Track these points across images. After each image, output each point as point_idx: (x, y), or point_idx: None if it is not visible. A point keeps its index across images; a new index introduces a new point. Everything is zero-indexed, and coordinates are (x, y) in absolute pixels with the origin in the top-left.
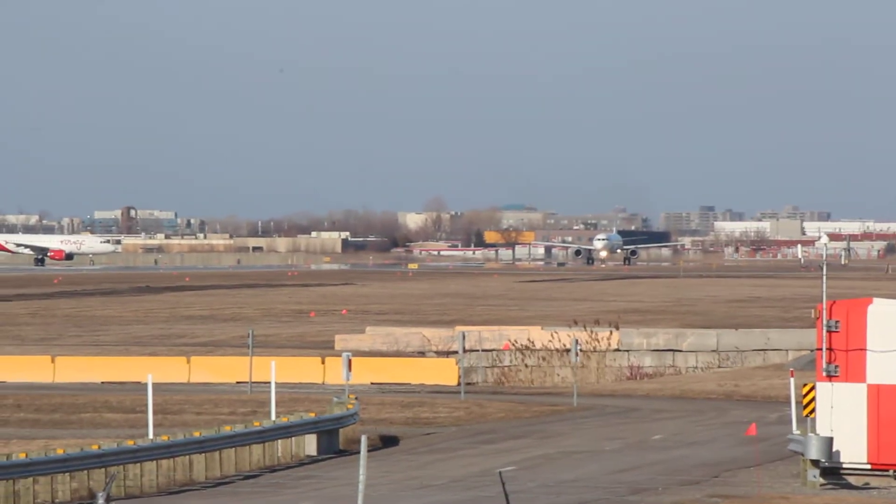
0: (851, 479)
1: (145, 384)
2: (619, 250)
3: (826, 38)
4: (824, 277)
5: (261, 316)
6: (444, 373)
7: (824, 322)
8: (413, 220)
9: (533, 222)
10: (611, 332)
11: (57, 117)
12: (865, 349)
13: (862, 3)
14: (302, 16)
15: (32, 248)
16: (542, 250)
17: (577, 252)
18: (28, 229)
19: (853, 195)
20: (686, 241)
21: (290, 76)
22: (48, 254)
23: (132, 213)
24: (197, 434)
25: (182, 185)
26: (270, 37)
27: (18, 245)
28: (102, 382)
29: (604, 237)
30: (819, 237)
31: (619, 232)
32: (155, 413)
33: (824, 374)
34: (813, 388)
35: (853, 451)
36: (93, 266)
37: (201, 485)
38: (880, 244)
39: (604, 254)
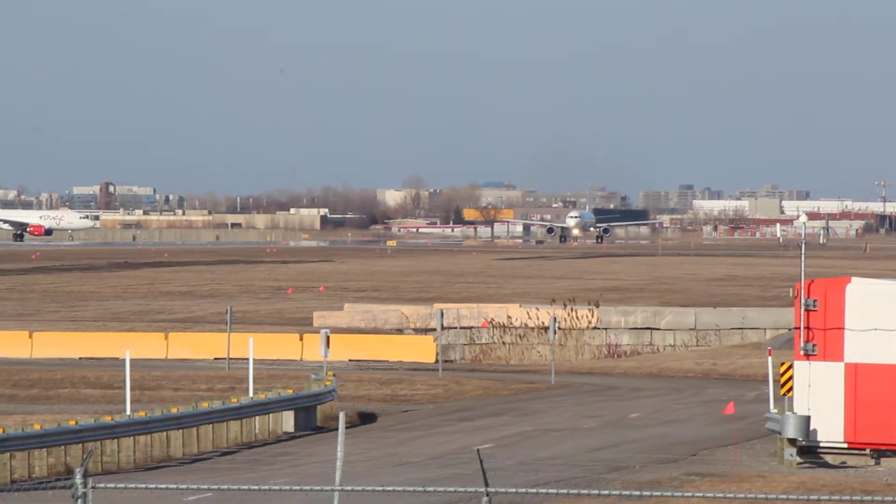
0: (828, 458)
1: (123, 360)
2: (591, 228)
3: (804, 20)
4: (802, 256)
5: (239, 292)
6: (422, 350)
7: (802, 301)
8: (392, 197)
9: (512, 200)
10: (589, 311)
11: (36, 92)
12: (843, 328)
13: None
14: None
15: (11, 223)
16: (520, 228)
17: (550, 230)
18: (6, 204)
19: (832, 174)
20: (665, 219)
21: (270, 52)
22: (27, 229)
23: (111, 188)
24: (174, 410)
25: (161, 161)
26: (250, 11)
27: None
28: (80, 358)
29: (576, 214)
30: (798, 216)
31: (598, 210)
32: (132, 389)
33: (802, 352)
34: (790, 366)
35: (830, 430)
36: (71, 241)
37: (178, 461)
38: (859, 223)
39: (576, 231)
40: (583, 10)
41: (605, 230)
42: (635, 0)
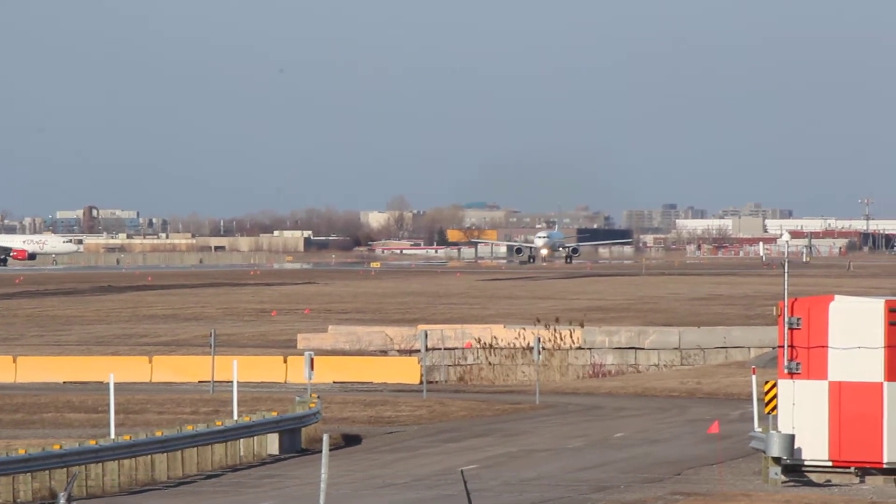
0: (813, 477)
1: (107, 384)
2: (560, 248)
3: (789, 37)
4: (786, 275)
5: (223, 315)
6: (406, 371)
7: (786, 319)
8: (375, 219)
9: (495, 220)
10: (573, 330)
11: (18, 116)
12: (827, 346)
13: (821, 2)
14: (266, 10)
15: None
16: (504, 248)
17: (518, 250)
18: None
19: (815, 193)
20: (648, 238)
21: (253, 74)
22: (10, 253)
23: (94, 212)
24: (159, 434)
25: (144, 184)
26: (235, 33)
27: None
28: (64, 382)
29: (545, 234)
30: (781, 234)
31: (581, 230)
32: (117, 413)
33: (786, 371)
34: (774, 385)
35: (815, 449)
36: (55, 266)
37: (163, 484)
38: (842, 242)
39: (545, 251)
40: (566, 28)
41: (574, 250)
42: (619, 19)
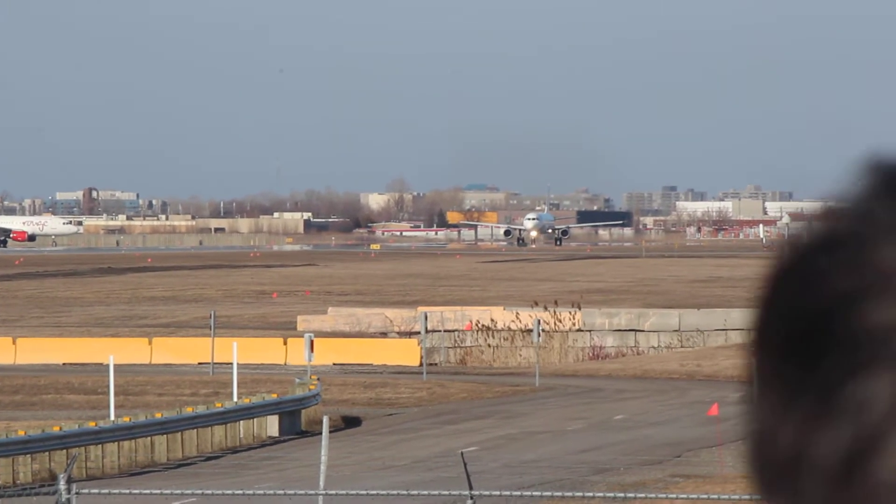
0: None
1: (107, 365)
2: (550, 230)
3: (786, 15)
4: None
5: (223, 297)
6: (406, 353)
7: None
8: (375, 201)
9: (495, 203)
10: (573, 313)
11: (18, 98)
12: None
13: None
14: None
15: None
16: (498, 231)
17: (507, 232)
18: None
19: (815, 174)
20: (648, 220)
21: (254, 54)
22: (10, 235)
23: (94, 194)
24: (158, 415)
25: (144, 166)
26: (238, 15)
27: None
28: (64, 364)
29: (534, 216)
30: (781, 217)
31: (581, 212)
32: (117, 394)
33: None
34: None
35: None
36: (55, 247)
37: (163, 466)
38: None
39: (534, 234)
40: (564, 8)
41: (564, 232)
42: (618, 0)
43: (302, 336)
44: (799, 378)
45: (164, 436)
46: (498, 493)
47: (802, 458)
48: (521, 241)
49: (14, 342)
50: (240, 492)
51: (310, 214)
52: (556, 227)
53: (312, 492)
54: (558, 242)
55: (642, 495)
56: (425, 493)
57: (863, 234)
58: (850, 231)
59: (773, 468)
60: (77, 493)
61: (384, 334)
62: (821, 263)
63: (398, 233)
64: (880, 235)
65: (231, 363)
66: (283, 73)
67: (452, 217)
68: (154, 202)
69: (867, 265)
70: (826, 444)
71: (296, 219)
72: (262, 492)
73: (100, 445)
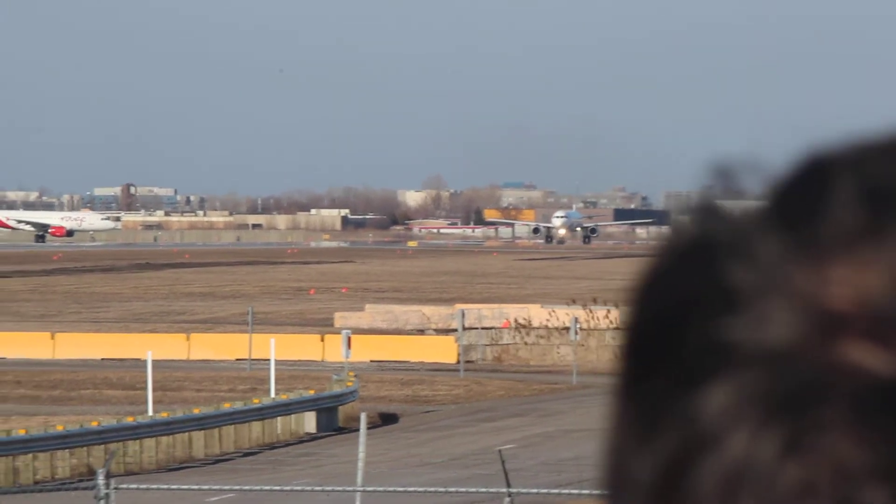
0: None
1: (145, 361)
2: (578, 228)
3: (822, 14)
4: None
5: (260, 293)
6: (443, 351)
7: None
8: (413, 198)
9: (533, 200)
10: (610, 311)
11: (57, 93)
12: None
13: None
14: None
15: (33, 224)
16: (527, 229)
17: (536, 230)
18: (28, 206)
19: None
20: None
21: (291, 52)
22: (49, 230)
23: (132, 189)
24: (196, 411)
25: (182, 162)
26: (271, 11)
27: (20, 221)
28: (102, 359)
29: (562, 214)
30: None
31: (618, 210)
32: (154, 390)
33: None
34: None
35: None
36: (93, 243)
37: (201, 462)
38: None
39: (562, 231)
40: (606, 6)
41: (592, 230)
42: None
43: (339, 333)
44: (638, 389)
45: (202, 431)
46: (535, 490)
47: (626, 473)
48: (550, 239)
49: (53, 337)
50: (277, 488)
51: (347, 211)
52: (585, 224)
53: (350, 488)
54: (587, 240)
55: None
56: (463, 490)
57: (717, 245)
58: (708, 240)
59: (609, 484)
60: (116, 489)
61: (421, 331)
62: (671, 272)
63: (435, 230)
64: (734, 249)
65: (268, 359)
66: (282, 72)
67: (489, 214)
68: (192, 198)
69: (714, 280)
70: (647, 457)
71: (333, 215)
72: (299, 488)
73: (138, 441)
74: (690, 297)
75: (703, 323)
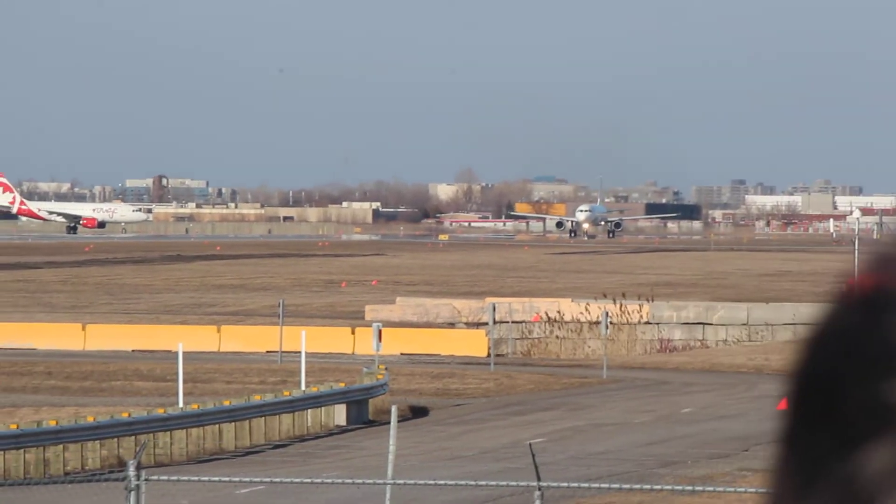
0: None
1: (176, 353)
2: (602, 222)
3: (855, 12)
4: (856, 253)
5: (291, 286)
6: (473, 344)
7: None
8: (444, 192)
9: (564, 194)
10: (640, 305)
11: (90, 86)
12: None
13: None
14: None
15: (65, 215)
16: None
17: (559, 224)
18: (60, 197)
19: (885, 169)
20: (717, 214)
21: (322, 44)
22: (80, 222)
23: (164, 181)
24: (227, 403)
25: (213, 154)
26: (304, 6)
27: (51, 213)
28: (133, 350)
29: (586, 208)
30: (851, 211)
31: (650, 205)
32: (185, 381)
33: None
34: None
35: None
36: (124, 234)
37: (231, 453)
38: None
39: (586, 226)
40: (642, 5)
41: (617, 224)
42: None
43: (370, 325)
44: (800, 441)
45: (233, 423)
46: (566, 484)
47: None
48: (574, 234)
49: (83, 328)
50: (307, 480)
51: (378, 204)
52: (609, 219)
53: (381, 481)
54: (611, 234)
55: (710, 488)
56: (493, 483)
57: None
58: (886, 293)
59: None
60: (146, 480)
61: (452, 325)
62: (844, 325)
63: (466, 223)
64: None
65: (299, 352)
66: (282, 72)
67: (521, 208)
68: (223, 190)
69: (884, 337)
70: None
71: (364, 208)
72: (329, 480)
73: (168, 432)
74: (859, 353)
75: (869, 381)
